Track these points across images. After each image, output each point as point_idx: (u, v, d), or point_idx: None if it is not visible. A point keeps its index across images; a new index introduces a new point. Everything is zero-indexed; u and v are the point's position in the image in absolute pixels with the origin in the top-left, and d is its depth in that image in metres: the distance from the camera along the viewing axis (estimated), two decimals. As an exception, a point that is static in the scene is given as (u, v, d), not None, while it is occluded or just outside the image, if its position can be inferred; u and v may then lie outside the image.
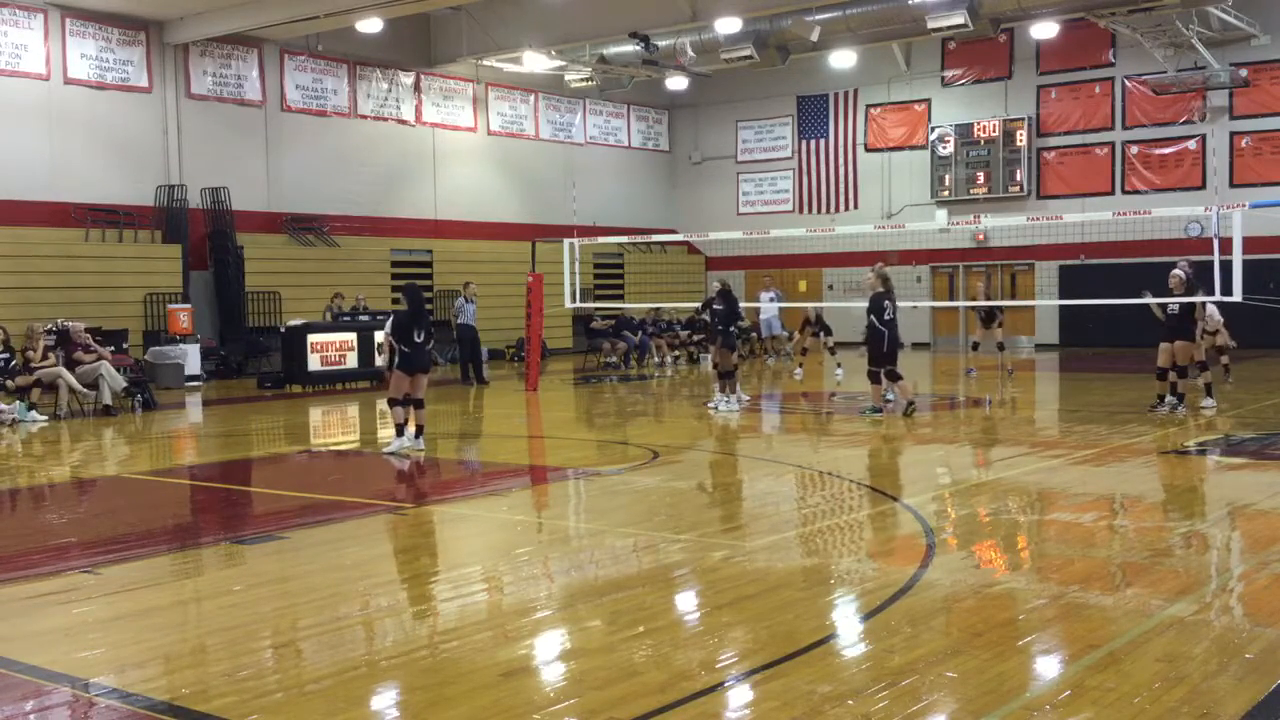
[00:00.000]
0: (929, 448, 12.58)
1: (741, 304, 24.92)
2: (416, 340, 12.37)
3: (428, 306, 14.11)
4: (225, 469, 12.09)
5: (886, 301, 14.62)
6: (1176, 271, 14.55)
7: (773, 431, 15.06)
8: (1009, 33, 28.25)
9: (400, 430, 12.43)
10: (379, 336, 13.33)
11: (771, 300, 25.12)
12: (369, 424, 16.06)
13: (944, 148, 30.11)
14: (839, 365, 20.83)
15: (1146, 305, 15.37)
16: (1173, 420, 14.00)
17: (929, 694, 4.81)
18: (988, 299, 21.90)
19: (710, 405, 16.14)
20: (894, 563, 7.29)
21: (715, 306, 16.57)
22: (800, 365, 21.82)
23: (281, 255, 24.81)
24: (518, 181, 30.28)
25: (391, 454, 12.29)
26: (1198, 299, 14.42)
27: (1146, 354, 19.00)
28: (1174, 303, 14.43)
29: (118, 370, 17.28)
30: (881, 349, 14.69)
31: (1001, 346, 20.66)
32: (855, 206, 31.77)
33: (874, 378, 14.86)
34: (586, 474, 11.07)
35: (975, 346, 21.95)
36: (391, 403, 12.54)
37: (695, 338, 27.28)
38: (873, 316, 14.68)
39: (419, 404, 12.56)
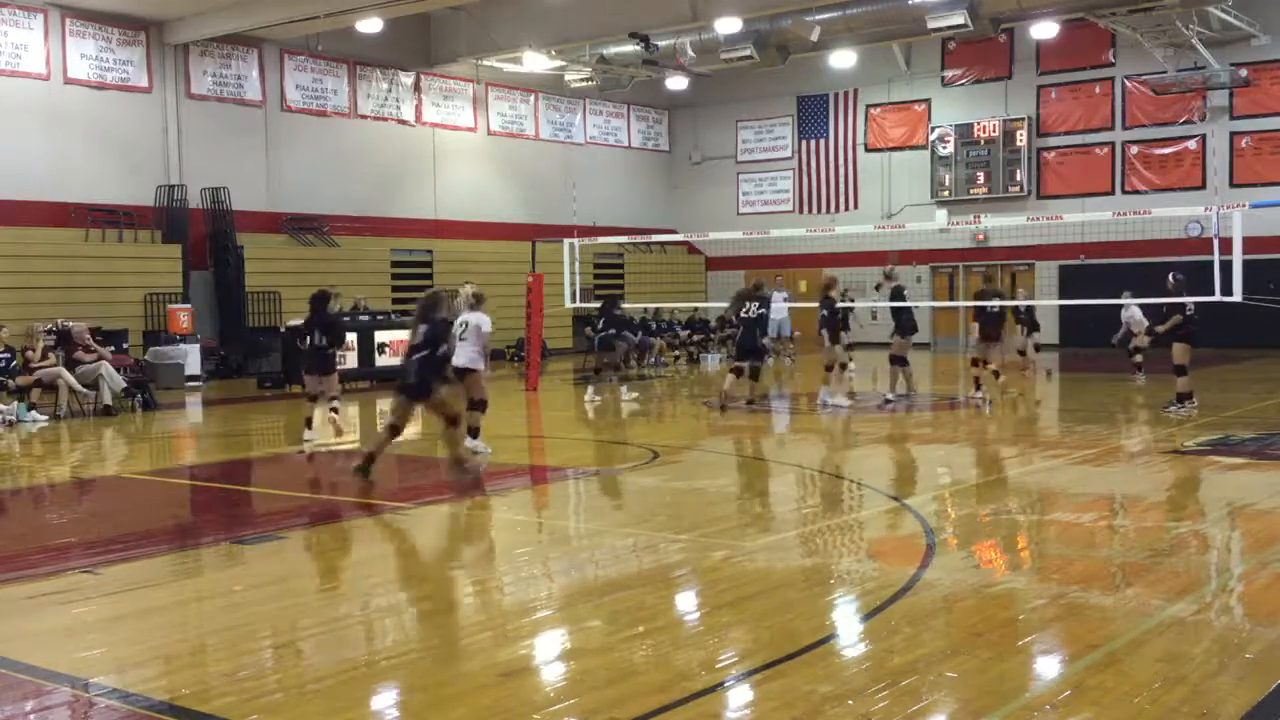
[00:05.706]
0: (929, 448, 12.59)
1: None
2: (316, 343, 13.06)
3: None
4: (225, 469, 12.08)
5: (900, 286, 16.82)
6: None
7: (773, 431, 15.06)
8: (1009, 33, 28.21)
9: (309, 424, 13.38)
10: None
11: (785, 300, 25.08)
12: (369, 424, 16.05)
13: (944, 148, 30.09)
14: (848, 362, 20.73)
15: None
16: (1172, 420, 14.01)
17: (929, 694, 4.81)
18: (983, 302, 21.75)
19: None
20: (894, 563, 7.29)
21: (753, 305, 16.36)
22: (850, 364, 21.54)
23: (281, 255, 24.79)
24: (518, 181, 30.27)
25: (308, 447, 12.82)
26: (1184, 299, 14.54)
27: (1146, 354, 19.04)
28: (1158, 302, 14.68)
29: (117, 370, 17.28)
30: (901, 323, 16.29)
31: (1022, 352, 20.44)
32: (855, 206, 31.75)
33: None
34: (586, 474, 11.07)
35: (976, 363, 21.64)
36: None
37: (695, 338, 27.31)
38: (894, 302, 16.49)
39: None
